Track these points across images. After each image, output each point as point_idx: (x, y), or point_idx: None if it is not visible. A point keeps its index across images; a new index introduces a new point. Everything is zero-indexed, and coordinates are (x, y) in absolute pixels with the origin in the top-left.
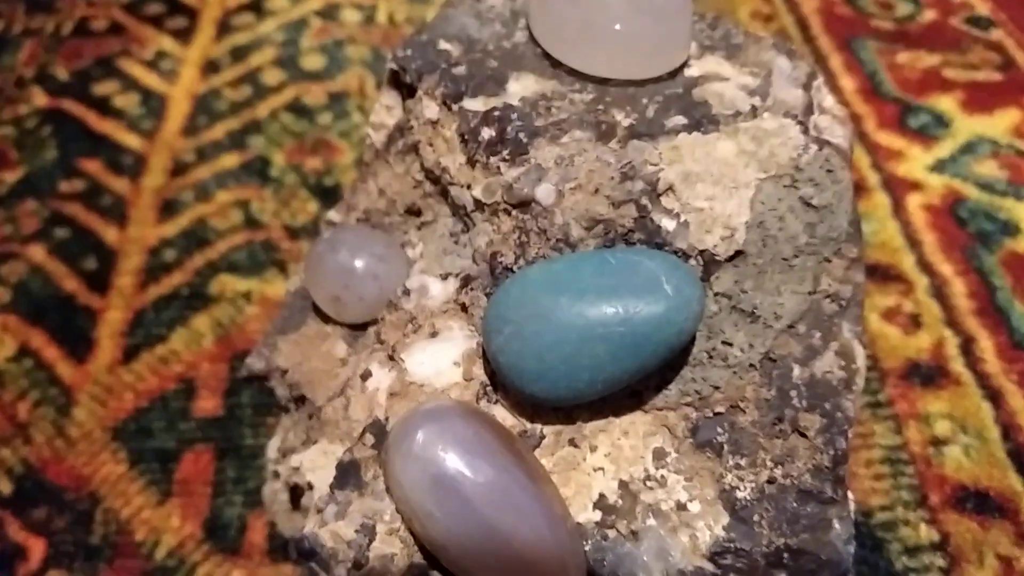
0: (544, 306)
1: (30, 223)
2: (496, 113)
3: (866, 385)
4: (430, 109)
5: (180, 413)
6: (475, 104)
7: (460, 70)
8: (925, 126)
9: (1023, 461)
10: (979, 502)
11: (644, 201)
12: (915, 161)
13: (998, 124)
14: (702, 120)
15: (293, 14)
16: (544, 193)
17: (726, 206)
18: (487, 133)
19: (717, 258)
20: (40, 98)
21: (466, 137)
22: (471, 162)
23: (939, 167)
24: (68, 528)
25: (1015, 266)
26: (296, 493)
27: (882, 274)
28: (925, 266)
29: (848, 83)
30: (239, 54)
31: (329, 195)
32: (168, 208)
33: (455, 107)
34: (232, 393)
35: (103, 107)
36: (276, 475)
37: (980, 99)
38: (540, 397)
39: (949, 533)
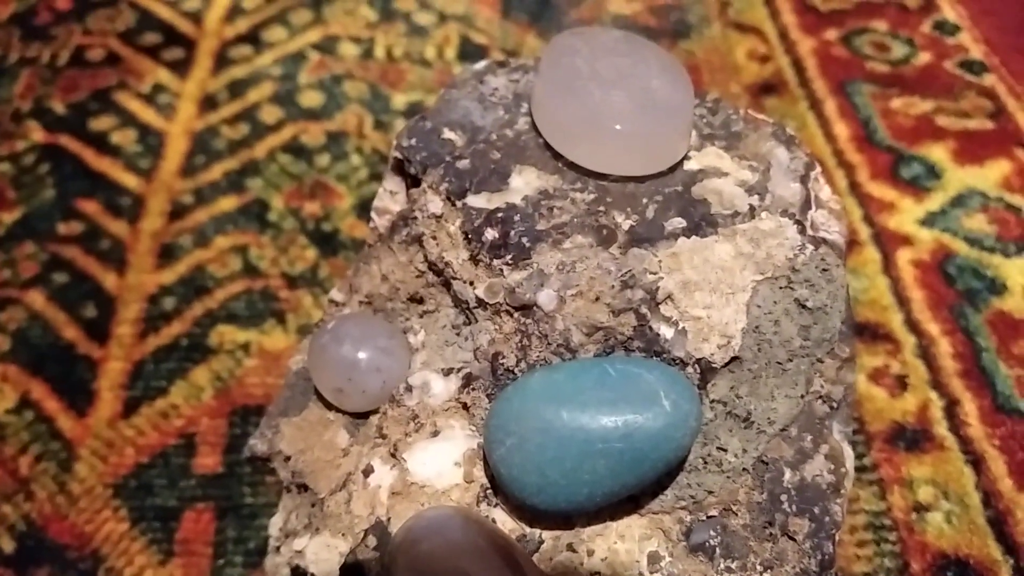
0: (546, 419)
1: (29, 267)
2: (499, 214)
3: (852, 448)
4: (434, 204)
5: (181, 470)
6: (479, 201)
7: (464, 164)
8: (917, 177)
9: (1003, 529)
10: (959, 571)
11: (643, 310)
12: (906, 214)
13: (988, 176)
14: (701, 222)
15: (290, 47)
16: (546, 299)
17: (723, 313)
18: (490, 234)
19: (714, 366)
20: (37, 133)
21: (470, 236)
22: (474, 260)
23: (930, 221)
24: None
25: (1000, 326)
26: (297, 572)
27: (871, 333)
28: (913, 325)
29: (842, 130)
30: (237, 89)
31: (327, 241)
32: (167, 253)
33: (459, 204)
34: (231, 450)
35: (101, 143)
36: (278, 550)
37: (971, 149)
38: (541, 509)
39: None
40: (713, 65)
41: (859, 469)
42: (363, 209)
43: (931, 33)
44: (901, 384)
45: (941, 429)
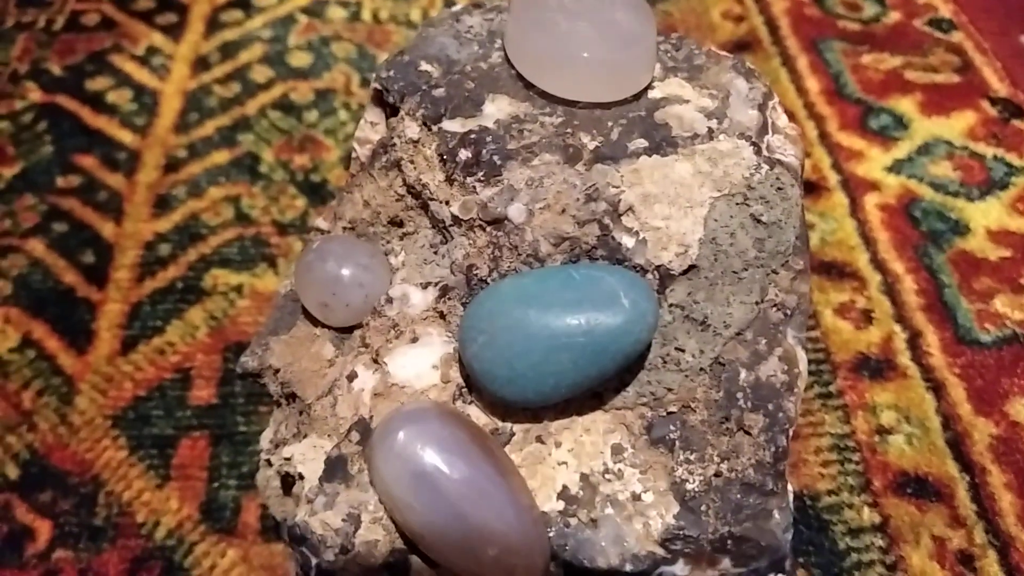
0: (515, 318)
1: (29, 217)
2: (472, 136)
3: (818, 377)
4: (411, 129)
5: (177, 402)
6: (453, 126)
7: (439, 92)
8: (885, 127)
9: (960, 449)
10: (918, 487)
11: (606, 221)
12: (874, 162)
13: (954, 126)
14: (662, 143)
15: (280, 11)
16: (516, 212)
17: (681, 224)
18: (464, 154)
19: (672, 272)
20: (35, 93)
21: (445, 157)
22: (449, 180)
23: (896, 168)
24: (73, 510)
25: (962, 264)
26: (287, 481)
27: (838, 271)
28: (878, 264)
29: (813, 84)
30: (228, 51)
31: (316, 191)
32: (162, 203)
33: (435, 128)
34: (226, 383)
35: (97, 103)
36: (269, 463)
37: (938, 101)
38: (510, 400)
39: (889, 516)
40: (689, 24)
41: (825, 396)
42: (350, 160)
43: None
44: (867, 318)
45: (904, 359)
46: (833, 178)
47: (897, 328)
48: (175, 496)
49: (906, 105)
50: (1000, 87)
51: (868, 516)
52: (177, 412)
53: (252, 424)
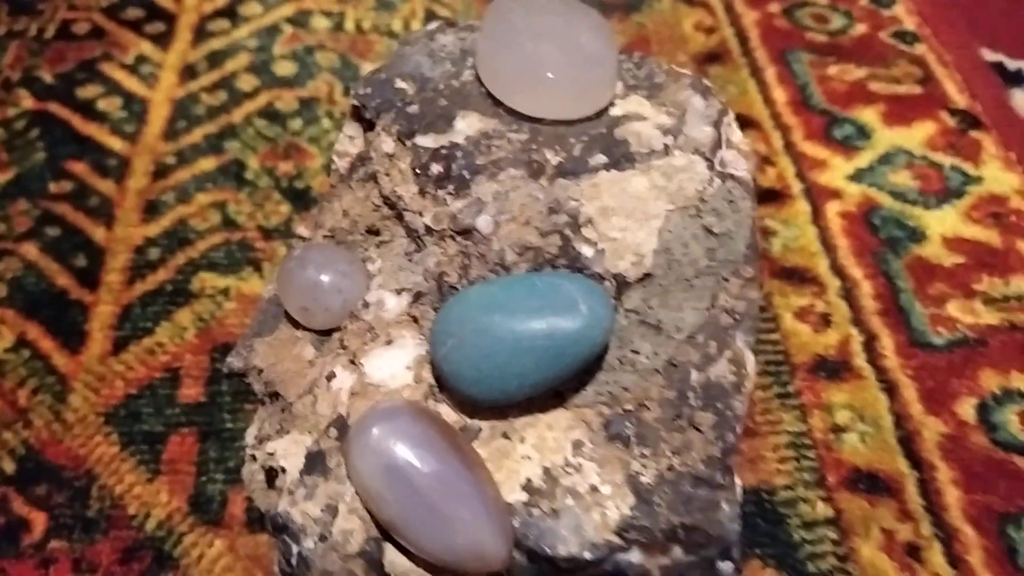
0: (482, 323)
1: (22, 222)
2: (444, 151)
3: (776, 377)
4: (387, 144)
5: (166, 400)
6: (426, 141)
7: (413, 108)
8: (848, 137)
9: (911, 447)
10: (870, 483)
11: (567, 232)
12: (836, 170)
13: (915, 136)
14: (621, 158)
15: (265, 21)
16: (483, 223)
17: (637, 235)
18: (436, 168)
19: (628, 280)
20: (27, 100)
21: (418, 171)
22: (422, 192)
23: (858, 176)
24: (67, 503)
25: (918, 270)
26: (271, 475)
27: (799, 277)
28: (838, 269)
29: (781, 95)
30: (215, 60)
31: (300, 197)
32: (151, 209)
33: (408, 143)
34: (213, 382)
35: (87, 110)
36: (253, 458)
37: (900, 112)
38: (478, 399)
39: (842, 510)
40: (662, 36)
41: (783, 395)
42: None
43: (868, 5)
44: (825, 321)
45: (860, 361)
46: (796, 186)
47: (854, 331)
48: (165, 489)
49: (869, 115)
50: (959, 99)
51: (822, 510)
52: (167, 410)
53: (238, 421)
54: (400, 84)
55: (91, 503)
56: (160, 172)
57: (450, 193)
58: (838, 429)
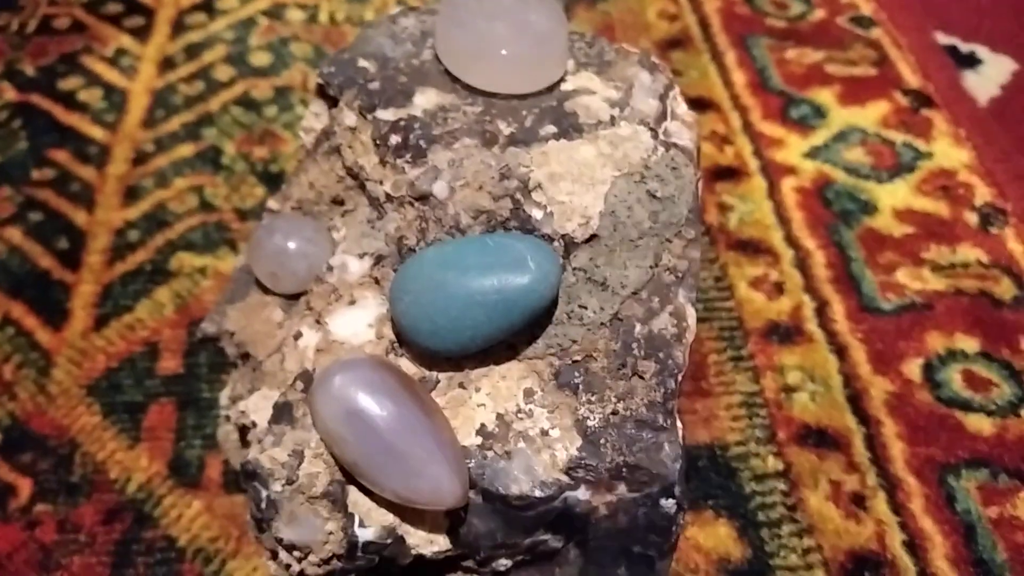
0: (436, 280)
1: (6, 208)
2: (402, 123)
3: (730, 342)
4: (349, 118)
5: (146, 372)
6: (386, 115)
7: (375, 85)
8: (804, 116)
9: (859, 405)
10: (819, 438)
11: (518, 196)
12: (792, 148)
13: (869, 115)
14: (569, 128)
15: (242, 13)
16: (439, 189)
17: (584, 199)
18: (395, 139)
19: (575, 240)
20: (10, 93)
21: (378, 142)
22: (382, 162)
23: (813, 153)
24: (51, 469)
25: (869, 240)
26: (244, 433)
27: (754, 248)
28: (792, 241)
29: (739, 77)
30: (193, 51)
31: (275, 181)
32: (131, 194)
33: (369, 117)
34: (191, 354)
35: (69, 101)
36: (228, 419)
37: (855, 92)
38: (433, 350)
39: (791, 463)
40: (626, 23)
41: (736, 359)
42: None
43: None
44: (778, 289)
45: (811, 326)
46: (754, 164)
47: (806, 298)
48: (145, 455)
49: (825, 96)
50: (913, 79)
51: (772, 464)
52: (146, 381)
53: (215, 391)
54: (363, 63)
55: (75, 469)
56: (139, 159)
57: (408, 162)
58: (789, 389)
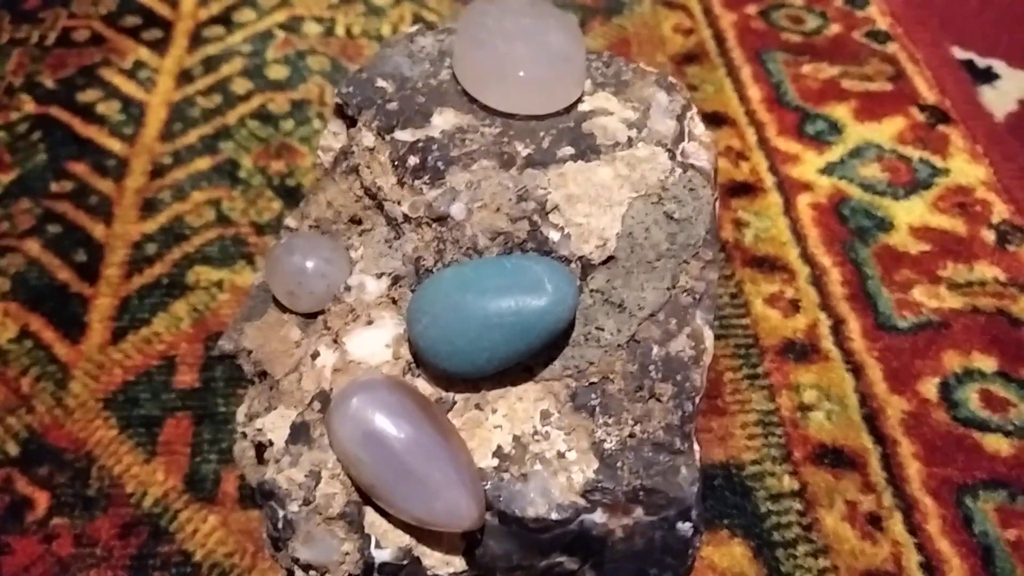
0: (454, 301)
1: (25, 220)
2: (420, 144)
3: (746, 359)
4: (367, 138)
5: (163, 386)
6: (404, 135)
7: (393, 105)
8: (820, 132)
9: (875, 424)
10: (835, 457)
11: (535, 218)
12: (808, 164)
13: (885, 131)
14: (587, 150)
15: (259, 26)
16: (457, 210)
17: (601, 221)
18: (412, 160)
19: (592, 262)
20: (29, 105)
21: (396, 163)
22: (400, 183)
23: (829, 169)
24: (68, 483)
25: (885, 258)
26: (260, 450)
27: (769, 265)
28: (808, 258)
29: (755, 93)
30: (210, 65)
31: (291, 195)
32: (149, 206)
33: (388, 137)
34: (207, 369)
35: (87, 113)
36: (244, 435)
37: (871, 108)
38: (451, 372)
39: (807, 483)
40: (641, 38)
41: (752, 376)
42: None
43: (842, 6)
44: (794, 307)
45: (827, 344)
46: (769, 180)
47: (822, 316)
48: (161, 469)
49: (841, 111)
50: (929, 95)
51: (788, 483)
52: (163, 395)
53: (231, 405)
54: (380, 83)
55: (91, 482)
56: (157, 171)
57: (426, 183)
58: (805, 408)
